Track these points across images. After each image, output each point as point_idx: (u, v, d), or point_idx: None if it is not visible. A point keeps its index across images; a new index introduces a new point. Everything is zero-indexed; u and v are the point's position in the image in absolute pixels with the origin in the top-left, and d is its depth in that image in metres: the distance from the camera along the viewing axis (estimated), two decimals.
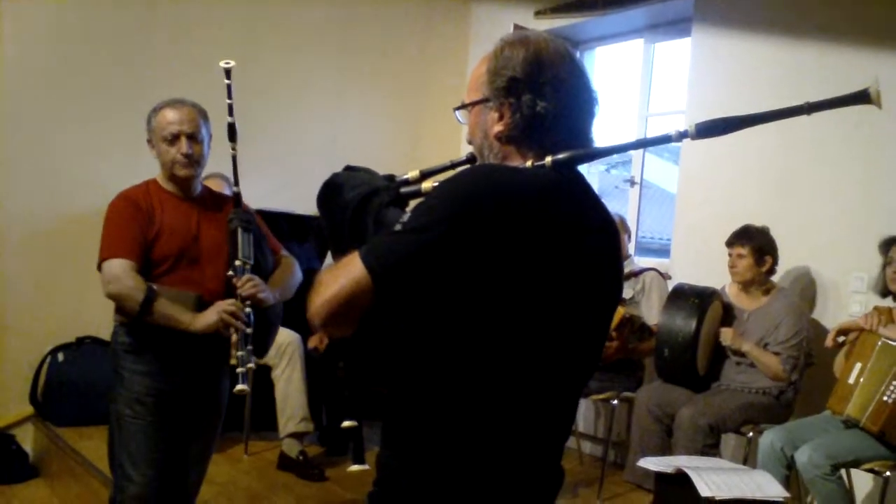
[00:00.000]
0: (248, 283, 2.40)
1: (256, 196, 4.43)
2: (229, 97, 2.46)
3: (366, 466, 1.43)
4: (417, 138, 5.46)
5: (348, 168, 1.45)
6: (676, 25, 4.72)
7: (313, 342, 4.23)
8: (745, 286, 3.72)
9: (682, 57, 4.63)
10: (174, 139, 2.46)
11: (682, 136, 1.23)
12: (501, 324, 1.19)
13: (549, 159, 1.26)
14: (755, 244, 3.63)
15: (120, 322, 2.46)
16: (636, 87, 4.97)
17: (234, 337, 2.36)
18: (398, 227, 1.16)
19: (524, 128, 1.30)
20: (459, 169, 1.37)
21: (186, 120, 2.47)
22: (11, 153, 4.17)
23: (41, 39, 4.23)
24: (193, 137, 2.47)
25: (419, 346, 1.22)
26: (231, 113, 2.47)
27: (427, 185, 1.37)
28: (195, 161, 2.49)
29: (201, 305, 2.41)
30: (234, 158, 2.51)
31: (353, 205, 1.33)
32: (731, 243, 3.71)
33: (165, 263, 2.42)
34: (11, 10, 4.14)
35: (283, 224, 4.62)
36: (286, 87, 5.04)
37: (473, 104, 1.36)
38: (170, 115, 2.47)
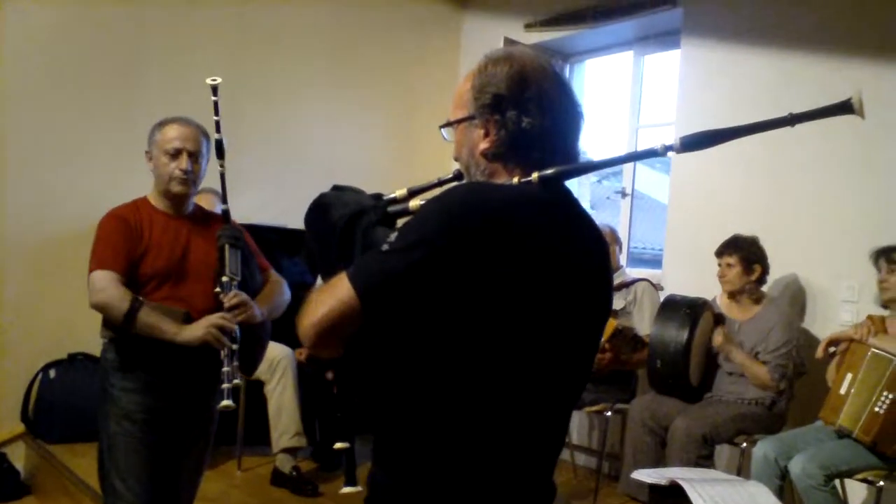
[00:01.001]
0: (234, 299, 2.40)
1: (247, 210, 4.44)
2: (216, 114, 2.48)
3: (358, 488, 1.43)
4: (410, 151, 5.46)
5: (335, 188, 1.45)
6: (665, 38, 4.75)
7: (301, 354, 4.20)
8: (735, 296, 3.73)
9: (672, 69, 4.66)
10: (176, 154, 2.48)
11: (668, 149, 1.24)
12: (491, 340, 1.19)
13: (535, 175, 1.26)
14: (743, 253, 3.66)
15: (109, 339, 2.45)
16: (626, 99, 5.00)
17: (223, 353, 2.36)
18: (385, 246, 1.16)
19: (510, 144, 1.30)
20: (447, 186, 1.38)
21: (191, 138, 2.50)
22: (5, 168, 4.16)
23: (33, 58, 4.22)
24: (194, 156, 2.50)
25: (408, 364, 1.22)
26: (219, 130, 2.49)
27: (415, 203, 1.37)
28: (192, 179, 2.51)
29: (189, 321, 2.40)
30: (222, 175, 2.53)
31: (341, 225, 1.33)
32: (720, 253, 3.73)
33: (153, 281, 2.42)
34: (6, 31, 4.14)
35: (273, 238, 4.61)
36: (277, 100, 5.05)
37: (458, 122, 1.36)
38: (175, 130, 2.50)
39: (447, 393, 1.21)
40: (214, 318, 2.38)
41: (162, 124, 2.53)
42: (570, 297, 1.26)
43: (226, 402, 2.32)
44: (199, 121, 2.59)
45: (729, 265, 3.68)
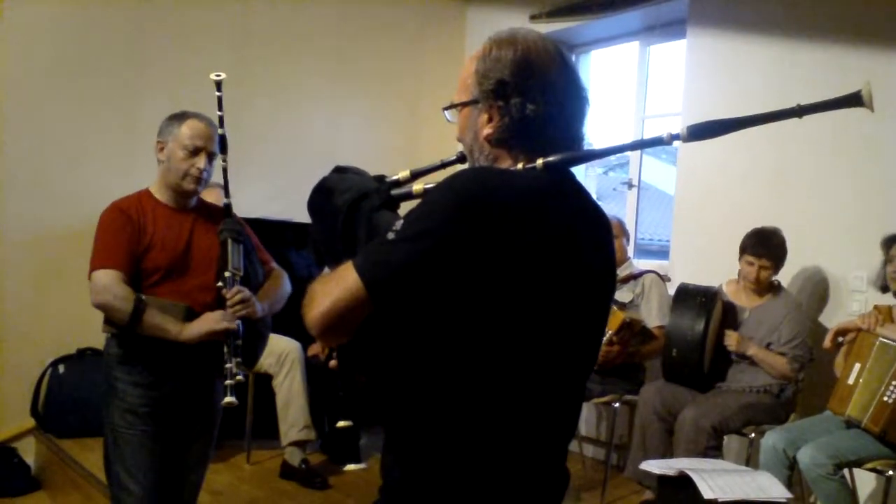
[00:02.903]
0: (237, 295, 2.40)
1: (254, 204, 4.45)
2: (220, 109, 2.46)
3: (362, 465, 1.44)
4: (415, 142, 5.47)
5: (337, 169, 1.43)
6: (671, 27, 4.73)
7: (314, 350, 4.23)
8: (759, 292, 3.71)
9: (678, 59, 4.64)
10: (196, 152, 2.46)
11: (674, 138, 1.23)
12: (500, 326, 1.19)
13: (540, 161, 1.26)
14: (777, 255, 3.61)
15: (111, 333, 2.45)
16: (632, 89, 4.98)
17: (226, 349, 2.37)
18: (391, 235, 1.16)
19: (513, 131, 1.29)
20: (450, 168, 1.37)
21: (211, 138, 2.49)
22: (10, 164, 4.18)
23: (36, 52, 4.23)
24: (211, 157, 2.50)
25: (418, 352, 1.22)
26: (222, 125, 2.47)
27: (418, 186, 1.36)
28: (205, 179, 2.51)
29: (191, 316, 2.40)
30: (224, 170, 2.51)
31: (344, 210, 1.32)
32: (757, 254, 3.62)
33: (156, 275, 2.42)
34: (7, 26, 4.14)
35: (285, 232, 4.62)
36: (284, 94, 5.05)
37: (462, 105, 1.35)
38: (197, 127, 2.48)
39: (457, 380, 1.20)
40: (216, 316, 2.38)
41: (182, 118, 2.50)
42: (576, 282, 1.26)
43: (229, 399, 2.31)
44: (208, 114, 2.57)
45: (764, 268, 3.61)
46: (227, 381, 2.33)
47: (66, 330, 4.28)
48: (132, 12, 4.50)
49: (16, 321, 4.22)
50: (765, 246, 3.62)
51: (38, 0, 4.25)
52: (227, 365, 2.35)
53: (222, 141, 2.48)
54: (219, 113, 2.47)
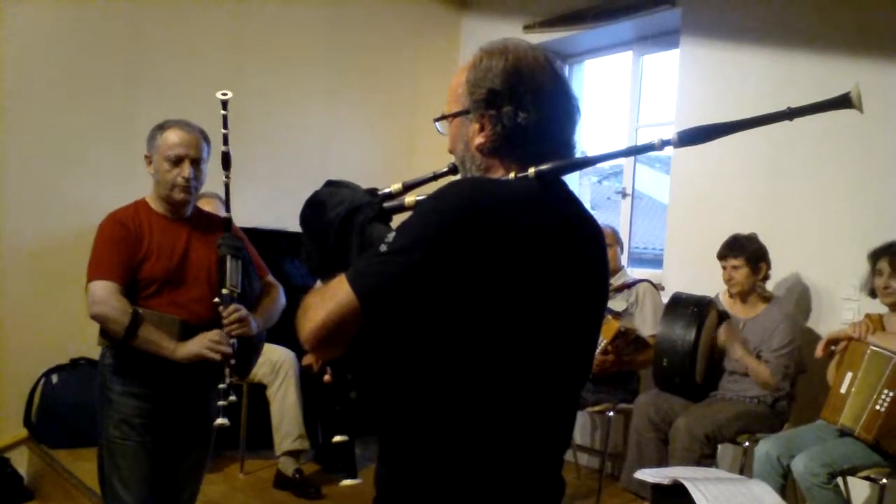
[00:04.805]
0: (233, 315, 2.39)
1: (249, 213, 4.44)
2: (225, 127, 2.44)
3: (358, 481, 1.44)
4: (410, 152, 5.47)
5: (329, 183, 1.43)
6: (664, 37, 4.76)
7: (308, 360, 4.22)
8: (743, 296, 3.72)
9: (671, 68, 4.66)
10: (178, 161, 2.45)
11: (665, 143, 1.23)
12: (492, 337, 1.19)
13: (532, 170, 1.26)
14: (747, 253, 3.63)
15: (106, 345, 2.45)
16: (626, 99, 5.00)
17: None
18: (383, 247, 1.16)
19: (505, 140, 1.29)
20: (442, 180, 1.37)
21: (193, 144, 2.47)
22: (8, 173, 4.17)
23: (33, 60, 4.23)
24: (196, 163, 2.48)
25: (411, 363, 1.22)
26: (226, 143, 2.45)
27: (410, 198, 1.36)
28: (195, 187, 2.49)
29: (185, 329, 2.39)
30: (226, 186, 2.50)
31: (336, 224, 1.32)
32: (723, 256, 3.69)
33: (152, 286, 2.41)
34: (6, 35, 4.15)
35: (279, 241, 4.62)
36: (278, 103, 5.05)
37: (453, 116, 1.35)
38: (177, 136, 2.46)
39: (450, 391, 1.21)
40: (210, 336, 2.37)
41: (162, 128, 2.49)
42: (569, 291, 1.26)
43: (220, 421, 2.30)
44: (201, 123, 2.57)
45: (735, 267, 3.64)
46: (220, 402, 2.32)
47: (59, 339, 4.26)
48: (130, 22, 4.50)
49: (10, 331, 4.20)
50: (729, 247, 3.67)
51: (37, 10, 4.26)
52: (220, 386, 2.34)
53: (226, 158, 2.46)
54: (223, 131, 2.44)
